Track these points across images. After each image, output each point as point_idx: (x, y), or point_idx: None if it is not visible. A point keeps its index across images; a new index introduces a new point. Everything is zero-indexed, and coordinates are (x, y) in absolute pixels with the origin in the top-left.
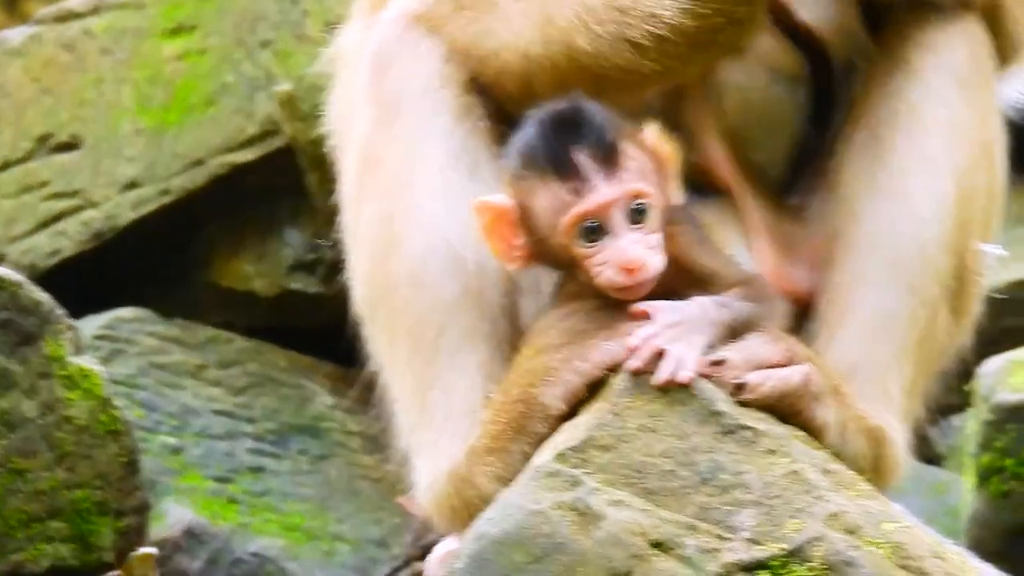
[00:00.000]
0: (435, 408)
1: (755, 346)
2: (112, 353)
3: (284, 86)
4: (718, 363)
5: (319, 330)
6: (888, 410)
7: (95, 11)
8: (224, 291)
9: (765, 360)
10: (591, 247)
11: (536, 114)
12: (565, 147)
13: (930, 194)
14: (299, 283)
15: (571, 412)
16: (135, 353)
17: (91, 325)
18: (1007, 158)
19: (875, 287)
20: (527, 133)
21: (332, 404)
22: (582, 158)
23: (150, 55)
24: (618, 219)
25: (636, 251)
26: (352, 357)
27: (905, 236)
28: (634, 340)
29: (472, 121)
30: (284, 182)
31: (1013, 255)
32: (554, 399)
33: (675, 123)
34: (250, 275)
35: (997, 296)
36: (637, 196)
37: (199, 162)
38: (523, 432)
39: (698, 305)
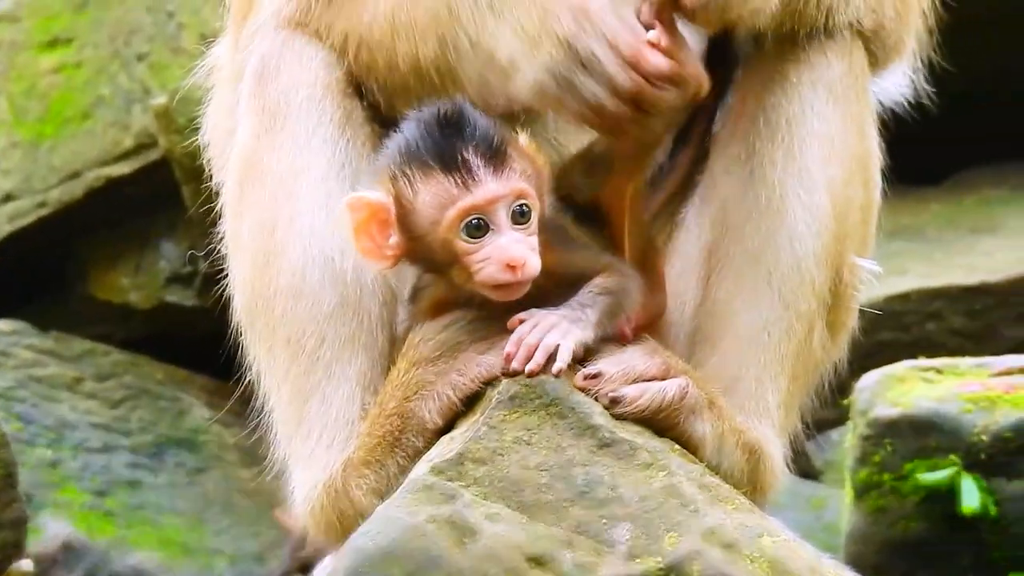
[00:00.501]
0: (313, 418)
1: (631, 359)
2: None
3: (160, 99)
4: (594, 376)
5: (195, 342)
6: (765, 423)
7: None
8: (101, 304)
9: (641, 373)
10: (473, 243)
11: (417, 115)
12: (452, 143)
13: (807, 209)
14: (175, 295)
15: (448, 425)
16: (12, 366)
17: None
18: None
19: (752, 301)
20: (409, 131)
21: (209, 417)
22: (469, 153)
23: (26, 68)
24: (502, 217)
25: (519, 249)
26: (229, 369)
27: (782, 251)
28: (510, 346)
29: (354, 128)
30: (160, 194)
31: (888, 269)
32: (430, 413)
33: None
34: (126, 288)
35: (873, 310)
36: (521, 196)
37: (75, 175)
38: (399, 445)
39: (570, 308)
